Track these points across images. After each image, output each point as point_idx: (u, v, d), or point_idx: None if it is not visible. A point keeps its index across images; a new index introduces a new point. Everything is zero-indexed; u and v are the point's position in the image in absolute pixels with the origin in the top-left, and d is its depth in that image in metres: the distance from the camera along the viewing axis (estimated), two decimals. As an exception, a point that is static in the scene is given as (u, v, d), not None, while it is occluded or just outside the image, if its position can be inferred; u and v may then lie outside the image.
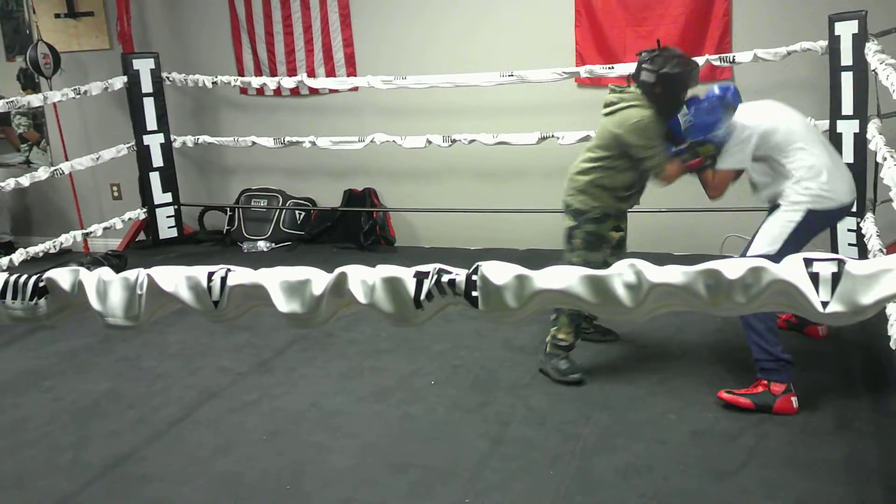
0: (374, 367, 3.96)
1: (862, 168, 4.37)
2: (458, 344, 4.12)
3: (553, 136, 5.27)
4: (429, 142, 5.56)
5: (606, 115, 3.57)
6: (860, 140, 4.30)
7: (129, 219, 6.16)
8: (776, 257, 3.49)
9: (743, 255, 3.59)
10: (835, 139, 4.45)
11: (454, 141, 5.49)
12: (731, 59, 4.81)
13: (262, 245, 6.33)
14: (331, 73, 6.06)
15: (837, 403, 3.29)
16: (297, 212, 6.40)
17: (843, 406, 3.26)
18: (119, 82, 5.93)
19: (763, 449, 2.99)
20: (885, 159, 3.39)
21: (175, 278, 1.33)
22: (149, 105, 6.06)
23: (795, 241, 3.32)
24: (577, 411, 3.38)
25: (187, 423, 3.52)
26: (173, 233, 6.31)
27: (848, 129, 4.37)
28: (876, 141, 3.85)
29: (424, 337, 4.23)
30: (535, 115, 5.50)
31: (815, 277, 1.08)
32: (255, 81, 6.02)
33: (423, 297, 1.26)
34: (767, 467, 2.88)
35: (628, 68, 5.08)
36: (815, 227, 3.41)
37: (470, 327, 4.29)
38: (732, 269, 1.12)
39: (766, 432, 3.10)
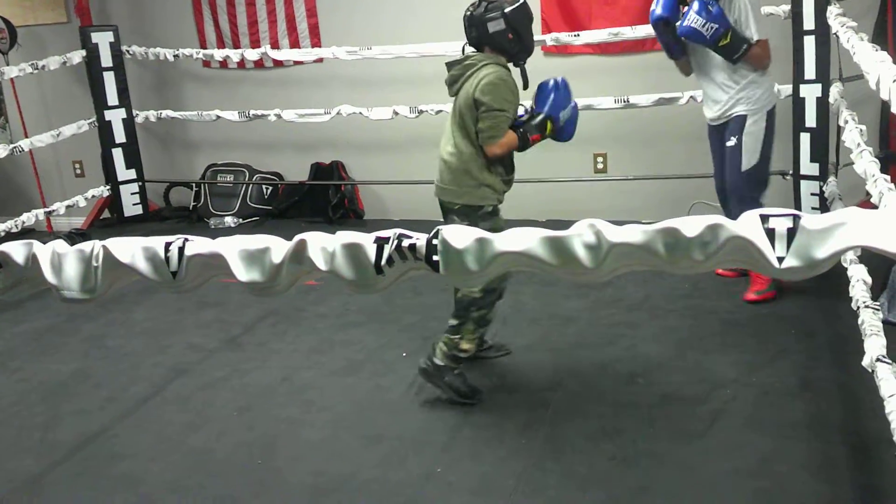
0: (344, 341, 3.95)
1: (824, 132, 4.41)
2: (428, 315, 4.12)
3: (521, 104, 5.24)
4: (396, 113, 5.52)
5: (457, 92, 3.16)
6: (822, 104, 4.33)
7: (93, 196, 6.06)
8: (763, 165, 3.57)
9: (730, 176, 3.93)
10: (798, 103, 4.47)
11: (421, 112, 5.46)
12: (696, 26, 4.80)
13: (230, 221, 6.27)
14: (295, 44, 5.98)
15: (801, 365, 3.34)
16: (264, 186, 6.34)
17: (807, 367, 3.32)
18: (77, 56, 5.80)
19: (729, 411, 3.04)
20: (846, 122, 3.42)
21: (132, 249, 1.31)
22: (109, 79, 5.95)
23: (769, 143, 3.87)
24: (546, 379, 3.40)
25: (157, 400, 3.50)
26: (138, 210, 6.23)
27: (811, 93, 4.40)
28: (838, 104, 3.88)
29: (395, 309, 4.23)
30: (502, 84, 5.46)
31: (770, 233, 1.08)
32: (218, 54, 5.92)
33: (383, 262, 1.25)
34: (733, 428, 2.92)
35: (594, 35, 5.10)
36: (773, 126, 3.91)
37: (440, 299, 4.29)
38: (690, 226, 1.13)
39: (732, 395, 3.14)
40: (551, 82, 3.28)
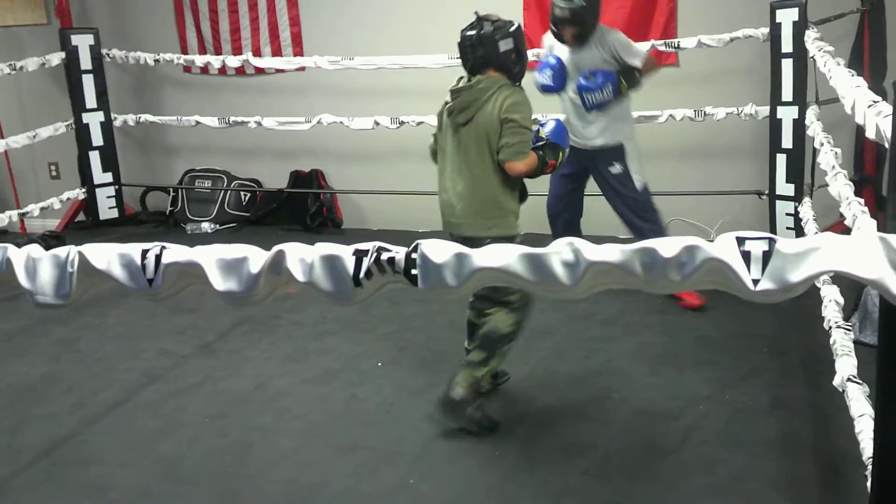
0: (319, 350, 3.93)
1: (800, 153, 4.47)
2: (405, 326, 4.12)
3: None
4: (376, 123, 5.52)
5: (470, 119, 3.01)
6: (799, 126, 4.40)
7: (68, 199, 5.99)
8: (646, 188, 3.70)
9: (625, 202, 4.09)
10: (775, 125, 4.54)
11: (402, 123, 5.46)
12: (676, 45, 4.87)
13: (207, 226, 6.23)
14: (277, 52, 5.97)
15: (773, 383, 3.37)
16: (242, 193, 6.31)
17: (779, 385, 3.35)
18: (57, 58, 5.75)
19: (702, 427, 3.06)
20: (822, 145, 3.47)
21: (108, 256, 1.30)
22: (88, 82, 5.90)
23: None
24: (521, 392, 3.40)
25: (128, 406, 3.46)
26: (114, 213, 6.17)
27: (788, 115, 4.47)
28: (814, 127, 3.94)
29: (371, 319, 4.22)
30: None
31: (746, 255, 1.10)
32: (199, 60, 5.89)
33: (362, 275, 1.25)
34: (706, 445, 2.94)
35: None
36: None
37: (416, 309, 4.29)
38: (667, 247, 1.14)
39: (705, 411, 3.17)
40: (562, 118, 3.50)
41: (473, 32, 3.04)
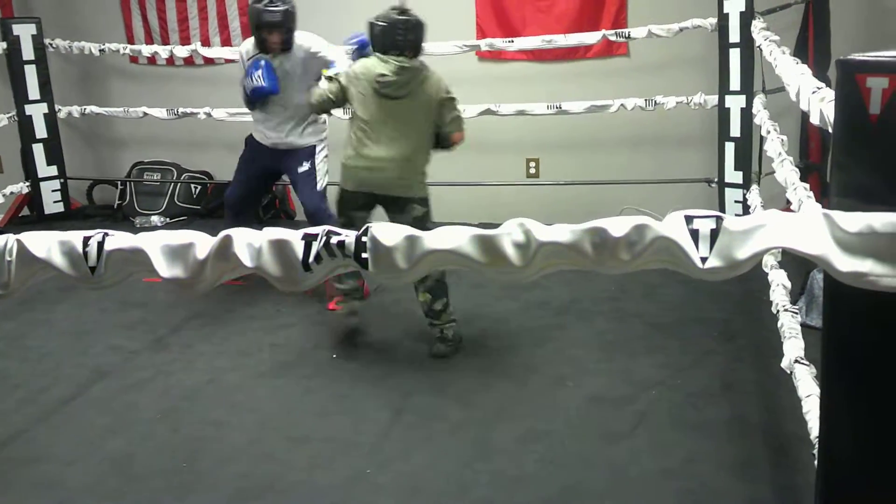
0: (273, 343, 3.89)
1: (748, 142, 4.55)
2: (360, 318, 4.09)
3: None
4: (329, 114, 5.46)
5: (407, 95, 3.46)
6: (746, 115, 4.47)
7: (11, 193, 5.85)
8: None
9: (309, 197, 4.32)
10: (723, 113, 4.61)
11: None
12: (627, 35, 4.91)
13: (156, 220, 6.12)
14: (227, 42, 5.88)
15: (723, 367, 3.43)
16: (192, 185, 6.21)
17: (729, 369, 3.41)
18: (-3, 48, 5.60)
19: (654, 412, 3.10)
20: (768, 132, 3.54)
21: (48, 244, 1.26)
22: (31, 73, 5.76)
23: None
24: (477, 381, 3.41)
25: (77, 402, 3.38)
26: (59, 207, 6.04)
27: (735, 104, 4.54)
28: (761, 115, 4.01)
29: (325, 312, 4.19)
30: (437, 87, 5.48)
31: (695, 234, 1.11)
32: (146, 50, 5.78)
33: (311, 259, 1.23)
34: (658, 429, 2.98)
35: (528, 42, 5.16)
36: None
37: (371, 301, 4.27)
38: (617, 227, 1.14)
39: (657, 396, 3.20)
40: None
41: (406, 18, 3.47)
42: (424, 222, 3.43)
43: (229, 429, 3.12)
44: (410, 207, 3.49)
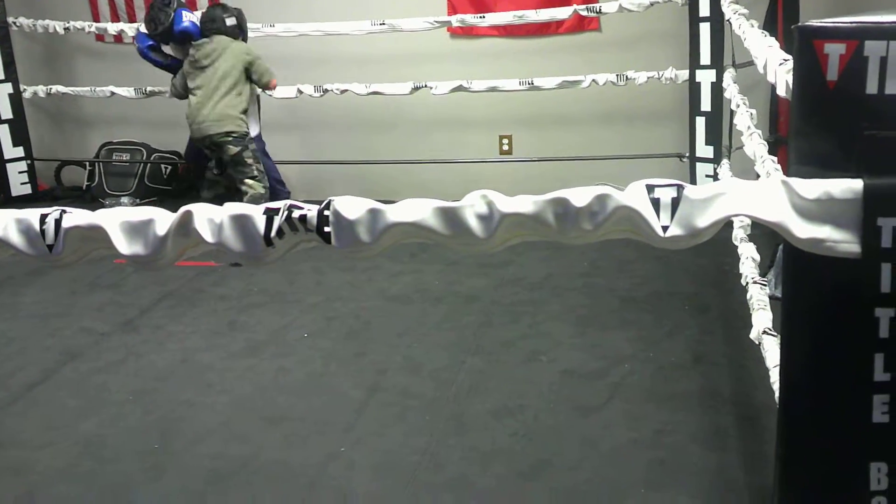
0: (245, 323, 3.87)
1: (718, 116, 4.57)
2: (332, 296, 4.08)
3: (426, 85, 5.23)
4: (300, 92, 5.42)
5: (214, 59, 4.67)
6: (717, 89, 4.49)
7: (-23, 175, 5.75)
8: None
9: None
10: (694, 88, 4.62)
11: (326, 91, 5.38)
12: (598, 10, 4.90)
13: (126, 201, 6.05)
14: (195, 20, 5.78)
15: (694, 339, 3.46)
16: (162, 166, 6.14)
17: (699, 341, 3.44)
18: (-42, 27, 5.48)
19: (626, 385, 3.12)
20: (738, 106, 3.55)
21: (4, 222, 1.24)
22: (-7, 53, 5.64)
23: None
24: (450, 357, 3.41)
25: (46, 385, 3.35)
26: (26, 189, 5.95)
27: (706, 78, 4.55)
28: (731, 90, 4.02)
29: (297, 290, 4.18)
30: (408, 64, 5.45)
31: (656, 203, 1.11)
32: (112, 28, 5.68)
33: (273, 234, 1.22)
34: (630, 401, 3.01)
35: (499, 17, 5.13)
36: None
37: (343, 279, 4.26)
38: (579, 197, 1.14)
39: (630, 369, 3.23)
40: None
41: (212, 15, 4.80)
42: (240, 158, 4.70)
43: (202, 409, 3.11)
44: (226, 147, 4.67)
